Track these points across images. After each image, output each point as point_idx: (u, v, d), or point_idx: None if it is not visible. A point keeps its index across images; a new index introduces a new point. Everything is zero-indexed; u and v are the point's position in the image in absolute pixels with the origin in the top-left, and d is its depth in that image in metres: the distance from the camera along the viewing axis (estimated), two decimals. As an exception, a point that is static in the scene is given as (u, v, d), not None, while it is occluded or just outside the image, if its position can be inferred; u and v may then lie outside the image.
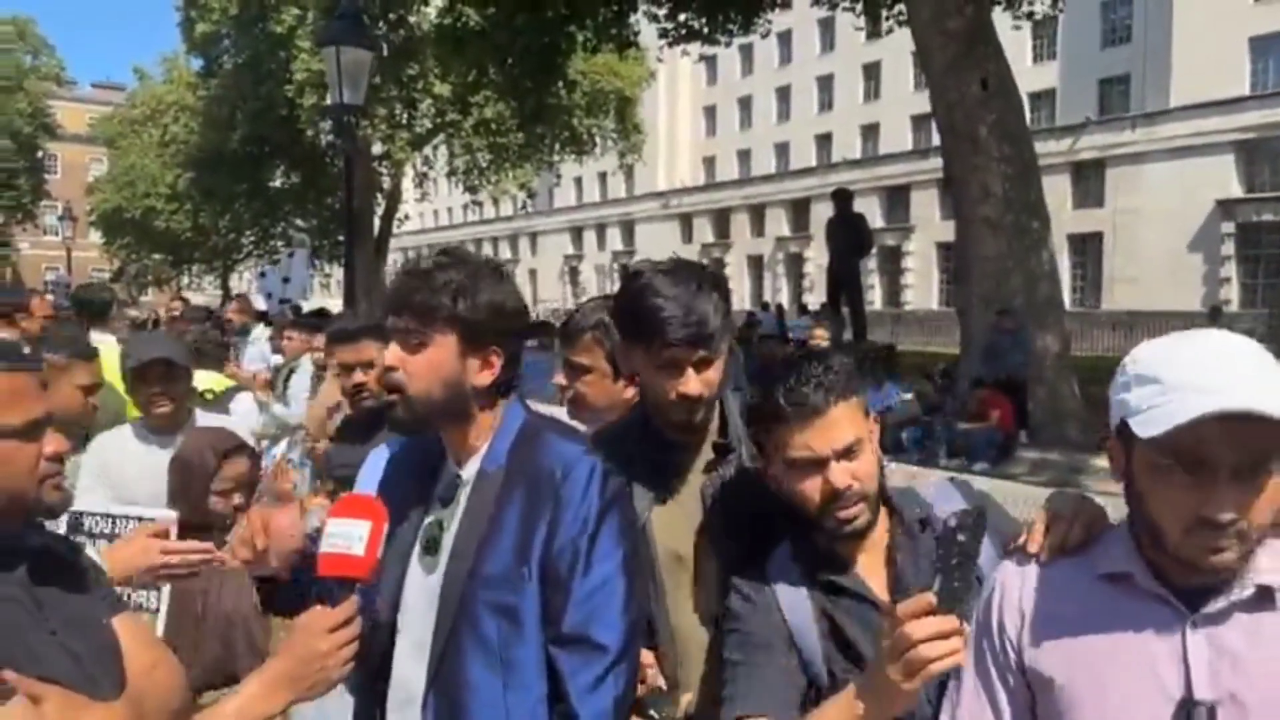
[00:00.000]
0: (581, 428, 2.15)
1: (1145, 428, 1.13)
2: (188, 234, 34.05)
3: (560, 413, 2.17)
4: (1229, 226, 30.04)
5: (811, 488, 1.48)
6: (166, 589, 2.05)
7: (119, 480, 2.96)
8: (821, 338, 8.31)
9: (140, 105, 35.86)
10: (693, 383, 1.66)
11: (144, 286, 40.60)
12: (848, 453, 1.48)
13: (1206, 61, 31.05)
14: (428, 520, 1.62)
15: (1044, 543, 1.34)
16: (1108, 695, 1.21)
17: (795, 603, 1.53)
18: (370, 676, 1.61)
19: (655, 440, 1.76)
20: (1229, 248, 30.09)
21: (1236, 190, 30.19)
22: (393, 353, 1.55)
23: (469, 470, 1.60)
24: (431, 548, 1.59)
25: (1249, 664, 1.16)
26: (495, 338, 1.56)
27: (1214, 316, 17.61)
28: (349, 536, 1.45)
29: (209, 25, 25.35)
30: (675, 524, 1.73)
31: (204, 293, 43.34)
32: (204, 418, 3.28)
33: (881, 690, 1.24)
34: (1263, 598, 1.18)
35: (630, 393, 2.15)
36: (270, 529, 1.63)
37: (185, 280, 40.03)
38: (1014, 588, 1.34)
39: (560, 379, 2.23)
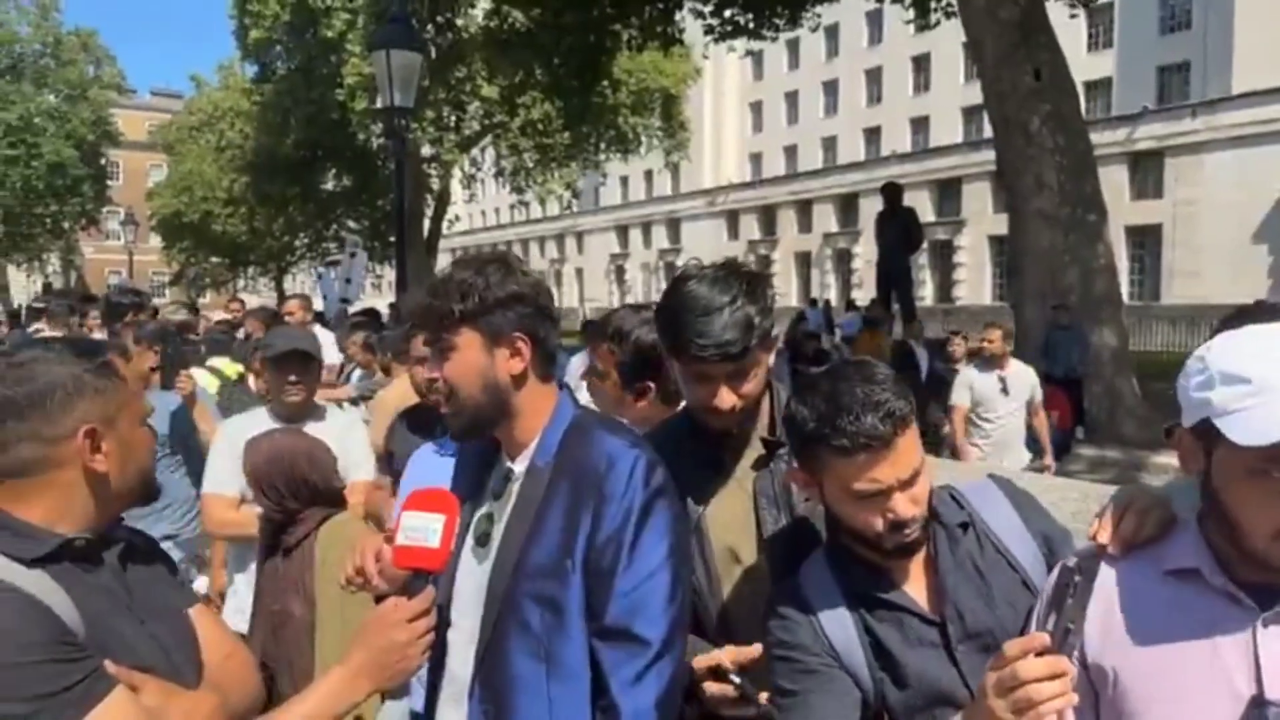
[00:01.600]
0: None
1: (1244, 434, 1.09)
2: (244, 237, 34.79)
3: None
4: (1295, 216, 29.11)
5: (874, 518, 1.43)
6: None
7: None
8: (961, 347, 8.25)
9: (197, 112, 36.74)
10: (725, 396, 1.69)
11: (202, 289, 41.57)
12: (909, 482, 1.43)
13: (1270, 47, 30.06)
14: (479, 514, 1.65)
15: (1114, 534, 1.30)
16: (1174, 693, 1.19)
17: (836, 622, 1.49)
18: (432, 671, 1.64)
19: (705, 438, 1.78)
20: (1295, 238, 29.18)
21: (1302, 179, 29.24)
22: (429, 368, 1.62)
23: (520, 465, 1.62)
24: (483, 540, 1.61)
25: None
26: (515, 324, 1.57)
27: (1257, 309, 16.92)
28: (424, 530, 1.48)
29: (262, 32, 25.84)
30: (728, 520, 1.75)
31: (260, 295, 44.26)
32: (334, 413, 3.55)
33: None
34: None
35: (641, 405, 2.15)
36: (381, 557, 1.66)
37: (241, 283, 40.90)
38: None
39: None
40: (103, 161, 39.64)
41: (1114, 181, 28.31)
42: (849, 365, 1.48)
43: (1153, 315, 27.14)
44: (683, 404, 1.94)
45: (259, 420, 3.36)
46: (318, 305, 16.17)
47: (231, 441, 3.19)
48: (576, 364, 4.53)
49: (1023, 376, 6.68)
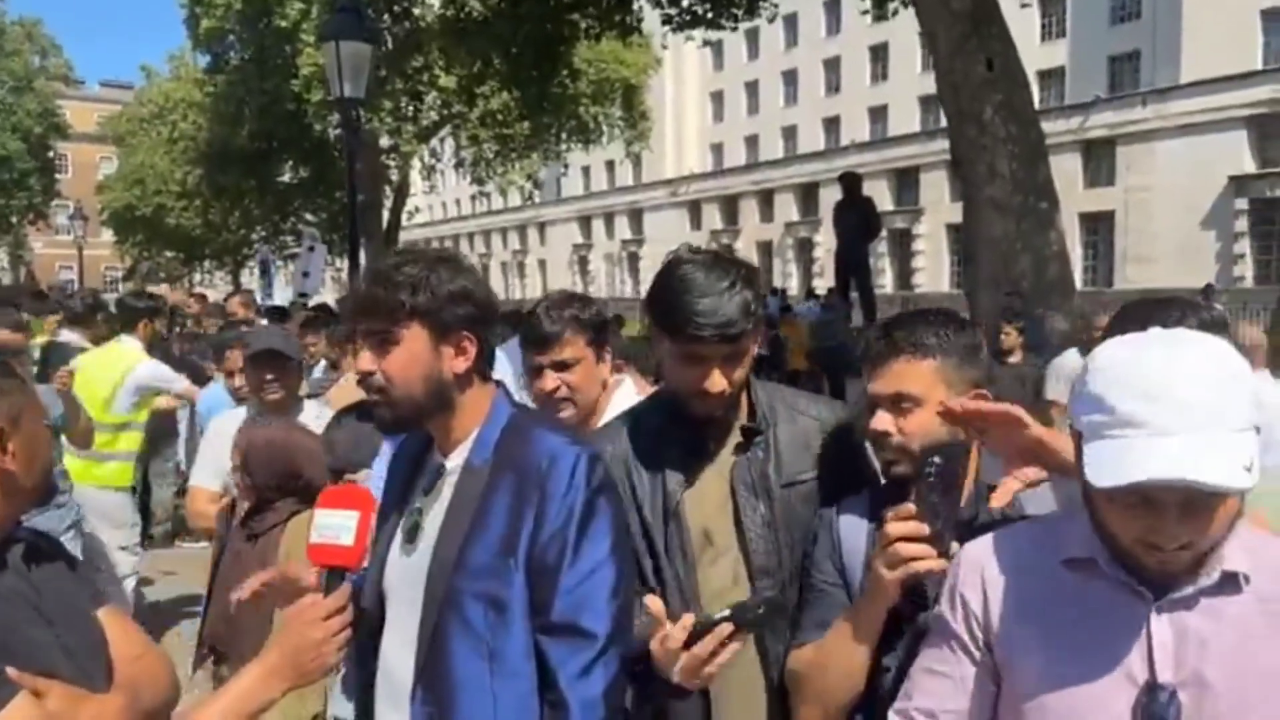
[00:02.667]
0: None
1: (1095, 473, 1.12)
2: (198, 231, 34.16)
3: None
4: (1242, 203, 29.76)
5: (868, 425, 1.63)
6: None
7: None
8: (1013, 336, 8.19)
9: (148, 103, 35.93)
10: (716, 379, 1.71)
11: (157, 284, 40.85)
12: (895, 402, 1.58)
13: (1218, 36, 30.71)
14: (408, 509, 1.64)
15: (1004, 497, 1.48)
16: (1075, 681, 1.22)
17: (852, 538, 1.66)
18: (362, 668, 1.63)
19: (684, 422, 1.80)
20: (1242, 224, 29.83)
21: (1249, 166, 29.90)
22: (366, 358, 1.56)
23: (453, 461, 1.61)
24: (411, 536, 1.60)
25: (1211, 646, 1.16)
26: (463, 323, 1.57)
27: (1207, 294, 17.47)
28: (338, 527, 1.49)
29: (213, 21, 25.34)
30: (705, 504, 1.78)
31: (216, 289, 43.52)
32: (311, 406, 3.62)
33: (873, 585, 1.50)
34: (1226, 582, 1.18)
35: (606, 370, 2.29)
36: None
37: (197, 277, 40.21)
38: (976, 569, 1.34)
39: (546, 384, 2.26)
40: (50, 154, 38.75)
41: (1067, 169, 28.77)
42: (929, 309, 1.69)
43: (1106, 301, 27.58)
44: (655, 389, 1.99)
45: (237, 419, 3.47)
46: (277, 300, 15.92)
47: (220, 437, 3.37)
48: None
49: None
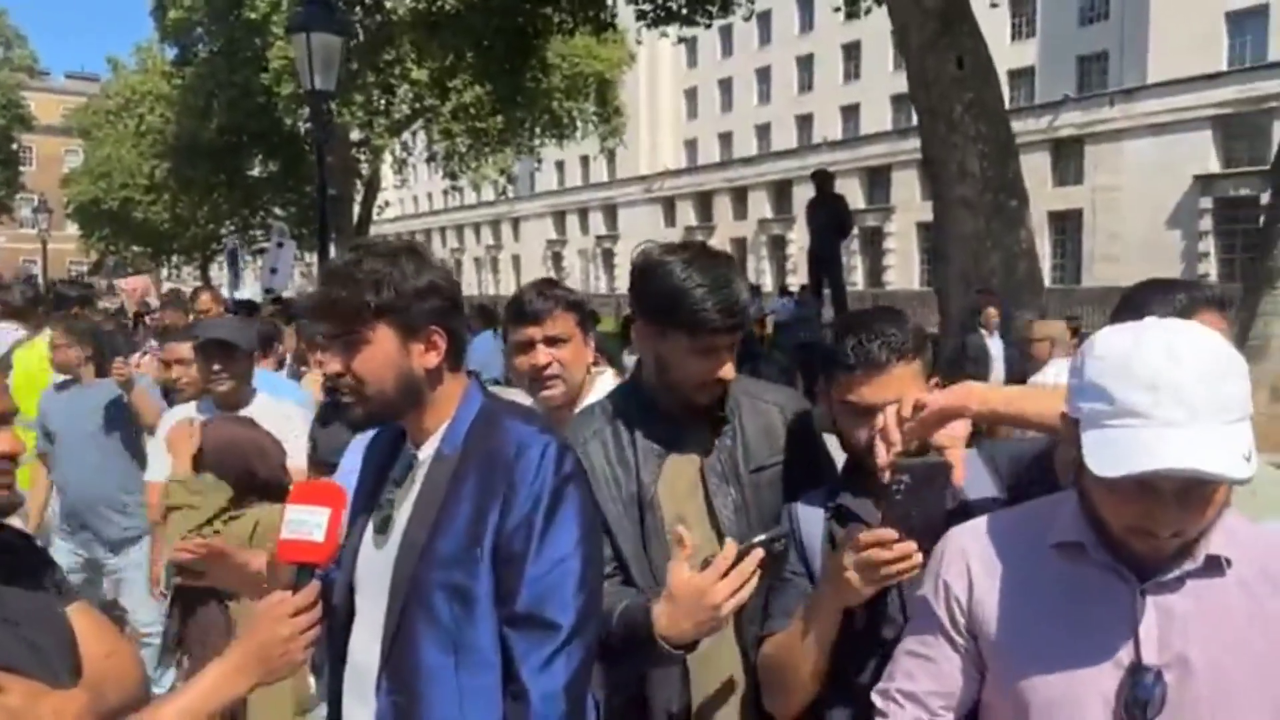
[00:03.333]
0: (529, 403, 2.19)
1: (1094, 462, 1.13)
2: (166, 225, 33.71)
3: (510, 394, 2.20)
4: (1207, 202, 30.23)
5: (861, 431, 1.60)
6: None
7: None
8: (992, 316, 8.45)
9: (115, 95, 35.37)
10: (730, 368, 1.77)
11: (124, 278, 40.28)
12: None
13: (1184, 37, 31.17)
14: (380, 500, 1.63)
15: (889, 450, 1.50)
16: (1058, 661, 1.23)
17: (811, 526, 1.68)
18: (332, 660, 1.62)
19: (654, 411, 1.83)
20: (1207, 223, 30.30)
21: (1215, 166, 30.37)
22: (334, 361, 1.54)
23: (425, 451, 1.60)
24: (382, 527, 1.59)
25: (1195, 629, 1.19)
26: (431, 318, 1.54)
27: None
28: (308, 523, 1.48)
29: (181, 13, 24.99)
30: (678, 492, 1.80)
31: (184, 284, 42.96)
32: (263, 400, 3.54)
33: (834, 584, 1.49)
34: (1210, 566, 1.20)
35: (590, 356, 2.30)
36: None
37: (165, 272, 39.67)
38: (960, 555, 1.35)
39: (539, 358, 2.23)
40: (14, 146, 38.12)
41: (1037, 168, 29.09)
42: (884, 312, 1.69)
43: (1074, 298, 27.98)
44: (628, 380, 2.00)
45: (189, 413, 3.46)
46: (246, 294, 15.72)
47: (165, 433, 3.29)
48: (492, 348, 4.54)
49: None
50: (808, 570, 1.68)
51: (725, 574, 1.50)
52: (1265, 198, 12.73)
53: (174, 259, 38.60)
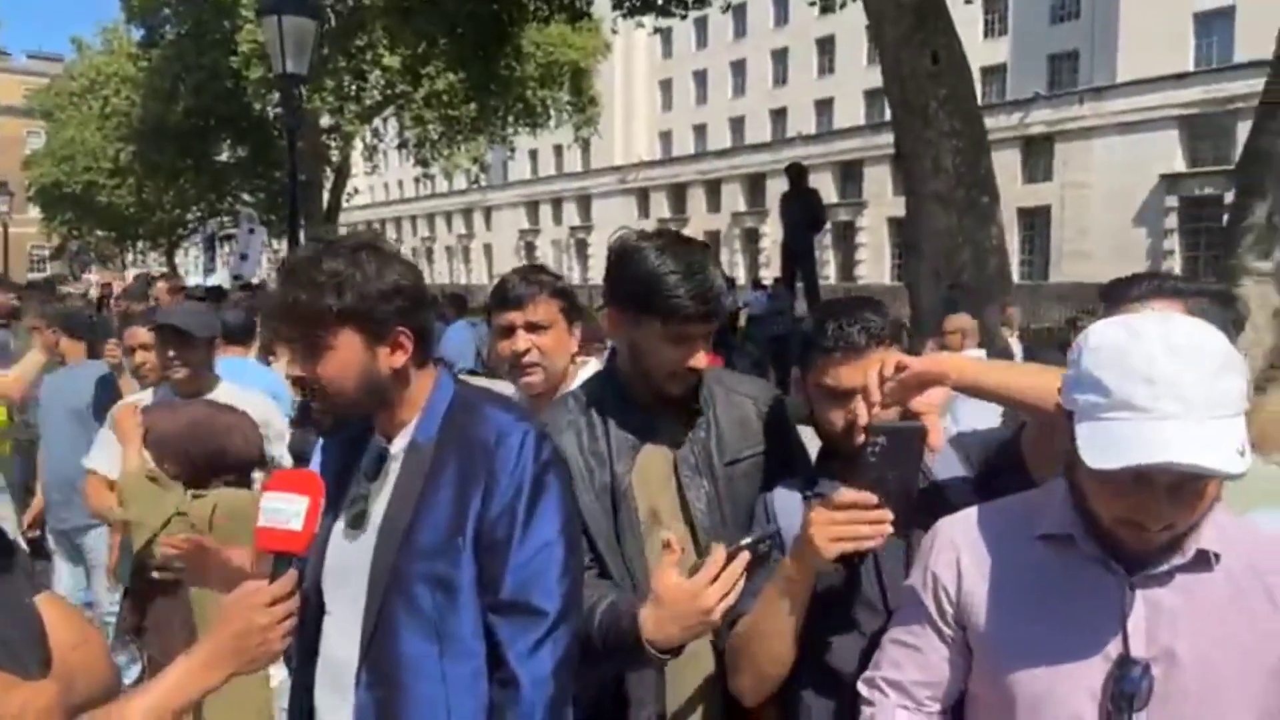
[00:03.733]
0: (510, 391, 2.17)
1: (1090, 455, 1.13)
2: (131, 209, 33.14)
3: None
4: (1173, 200, 30.70)
5: (837, 415, 1.62)
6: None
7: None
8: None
9: (79, 77, 34.62)
10: (703, 356, 1.75)
11: (86, 264, 39.54)
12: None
13: (1152, 37, 31.58)
14: (350, 495, 1.59)
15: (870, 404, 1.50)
16: (1046, 653, 1.23)
17: (788, 514, 1.66)
18: (302, 656, 1.59)
19: (628, 402, 1.81)
20: (1173, 221, 30.78)
21: (1180, 165, 30.84)
22: (296, 365, 1.52)
23: (398, 445, 1.57)
24: (357, 523, 1.56)
25: (1183, 622, 1.19)
26: (397, 318, 1.50)
27: (1134, 281, 18.03)
28: (286, 512, 1.46)
29: (149, -7, 24.58)
30: (652, 482, 1.79)
31: (150, 270, 42.28)
32: (226, 388, 3.43)
33: (804, 551, 1.46)
34: (1200, 560, 1.21)
35: (574, 345, 2.27)
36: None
37: (130, 257, 39.02)
38: (952, 544, 1.35)
39: (518, 343, 2.21)
40: (-27, 127, 37.25)
41: (1007, 164, 29.36)
42: (864, 300, 1.71)
43: (1042, 294, 28.32)
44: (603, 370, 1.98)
45: (145, 400, 3.38)
46: (216, 279, 15.45)
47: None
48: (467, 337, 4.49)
49: None
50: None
51: (715, 578, 1.49)
52: (1229, 197, 12.94)
53: (139, 244, 37.96)
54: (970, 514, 1.39)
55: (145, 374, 3.89)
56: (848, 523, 1.41)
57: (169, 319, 3.35)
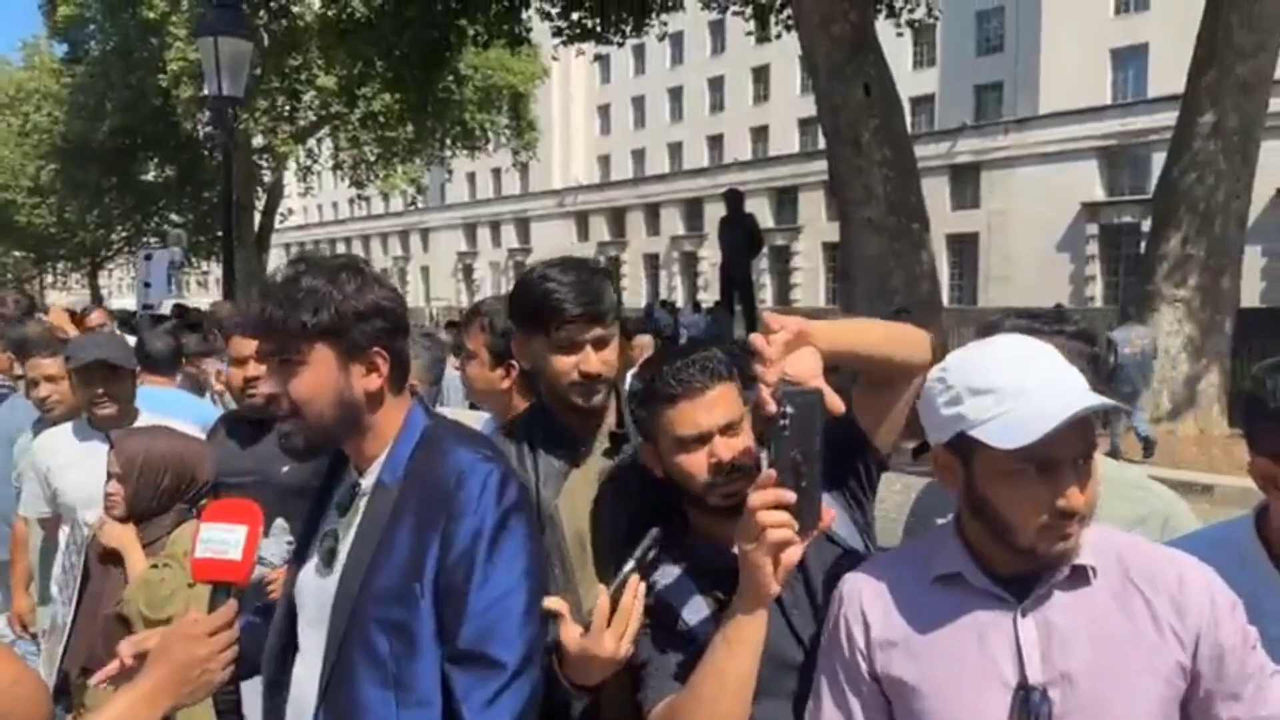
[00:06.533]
0: (482, 423, 2.15)
1: (1003, 438, 1.19)
2: (52, 229, 32.07)
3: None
4: (1093, 228, 31.87)
5: (698, 462, 1.51)
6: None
7: (61, 478, 3.13)
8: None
9: (-3, 92, 33.59)
10: (592, 360, 1.74)
11: (1, 285, 38.10)
12: (729, 429, 1.52)
13: (1072, 71, 32.88)
14: (324, 529, 1.56)
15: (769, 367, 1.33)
16: (953, 691, 1.27)
17: (687, 600, 1.53)
18: (271, 694, 1.56)
19: (556, 430, 1.82)
20: (1093, 248, 31.93)
21: (1100, 194, 32.06)
22: (269, 382, 1.46)
23: (368, 480, 1.53)
24: (328, 559, 1.52)
25: (1071, 641, 1.25)
26: (374, 339, 1.48)
27: (1057, 313, 18.87)
28: (224, 542, 1.45)
29: (72, 9, 23.97)
30: (579, 508, 1.78)
31: (70, 292, 40.87)
32: (146, 420, 3.22)
33: (745, 574, 1.33)
34: (1077, 576, 1.27)
35: (506, 384, 2.25)
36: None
37: (49, 279, 37.72)
38: (856, 598, 1.38)
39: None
40: (-117, 142, 35.70)
41: (936, 192, 30.15)
42: (692, 342, 1.69)
43: (970, 318, 29.06)
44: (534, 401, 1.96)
45: (66, 435, 3.24)
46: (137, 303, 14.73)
47: (50, 455, 3.19)
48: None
49: None
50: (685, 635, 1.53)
51: (609, 622, 1.42)
52: (1146, 225, 13.48)
53: (59, 266, 36.72)
54: (871, 565, 1.43)
55: (50, 407, 3.59)
56: (777, 527, 1.28)
57: (98, 353, 3.15)
